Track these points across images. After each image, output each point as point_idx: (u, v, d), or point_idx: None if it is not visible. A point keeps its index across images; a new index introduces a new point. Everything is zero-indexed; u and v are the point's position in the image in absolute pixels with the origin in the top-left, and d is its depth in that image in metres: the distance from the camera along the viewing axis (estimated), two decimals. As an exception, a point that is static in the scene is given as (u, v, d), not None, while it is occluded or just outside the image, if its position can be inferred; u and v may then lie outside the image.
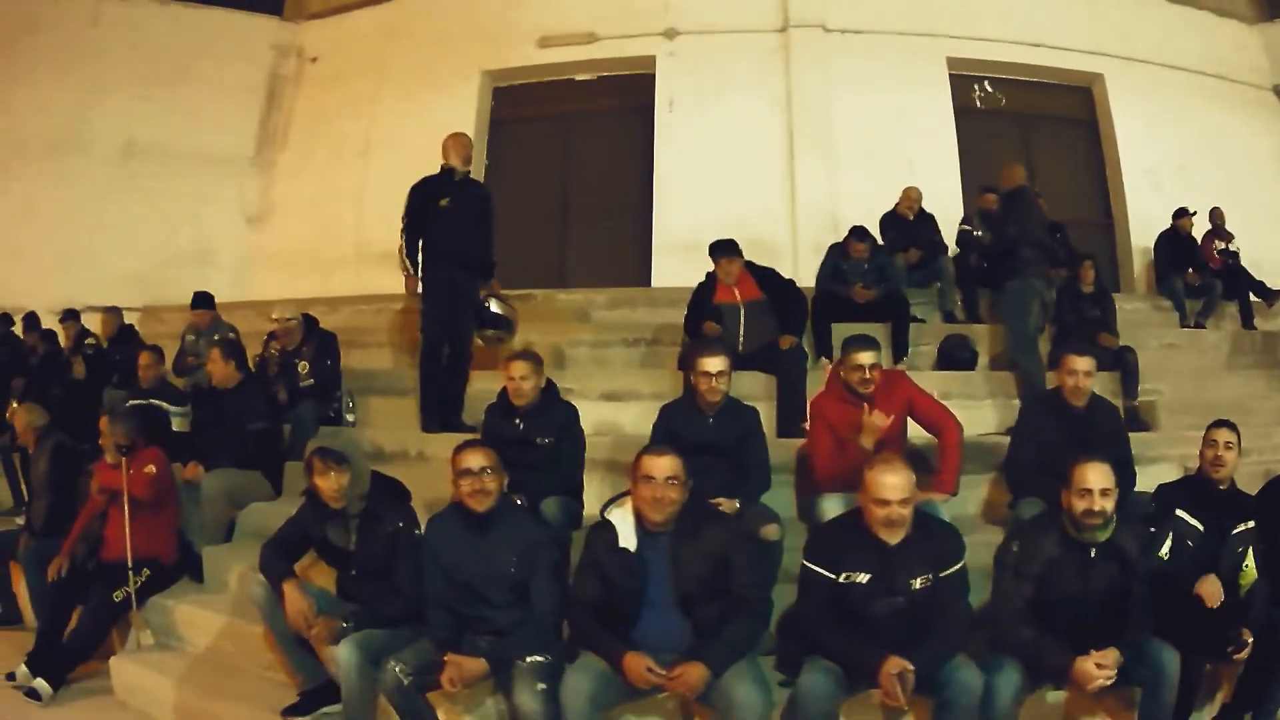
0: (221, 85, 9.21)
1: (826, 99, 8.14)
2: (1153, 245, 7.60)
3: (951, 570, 2.80)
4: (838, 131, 8.05)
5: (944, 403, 4.04)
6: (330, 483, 3.13)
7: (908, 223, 6.99)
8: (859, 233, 6.24)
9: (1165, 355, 6.19)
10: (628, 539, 2.85)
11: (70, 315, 7.29)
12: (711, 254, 5.18)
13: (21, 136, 8.73)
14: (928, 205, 7.14)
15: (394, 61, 9.03)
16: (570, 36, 8.55)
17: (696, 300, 5.22)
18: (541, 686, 2.69)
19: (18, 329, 7.67)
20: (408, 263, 5.04)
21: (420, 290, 5.03)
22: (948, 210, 7.39)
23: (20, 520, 4.99)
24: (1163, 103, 8.43)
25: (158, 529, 4.17)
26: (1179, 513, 3.44)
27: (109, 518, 4.13)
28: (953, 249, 7.05)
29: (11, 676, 3.83)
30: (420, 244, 5.01)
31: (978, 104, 8.65)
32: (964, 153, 8.19)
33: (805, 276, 6.46)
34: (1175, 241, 7.40)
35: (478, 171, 7.13)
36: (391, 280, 7.37)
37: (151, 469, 4.14)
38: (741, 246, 5.21)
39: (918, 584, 2.77)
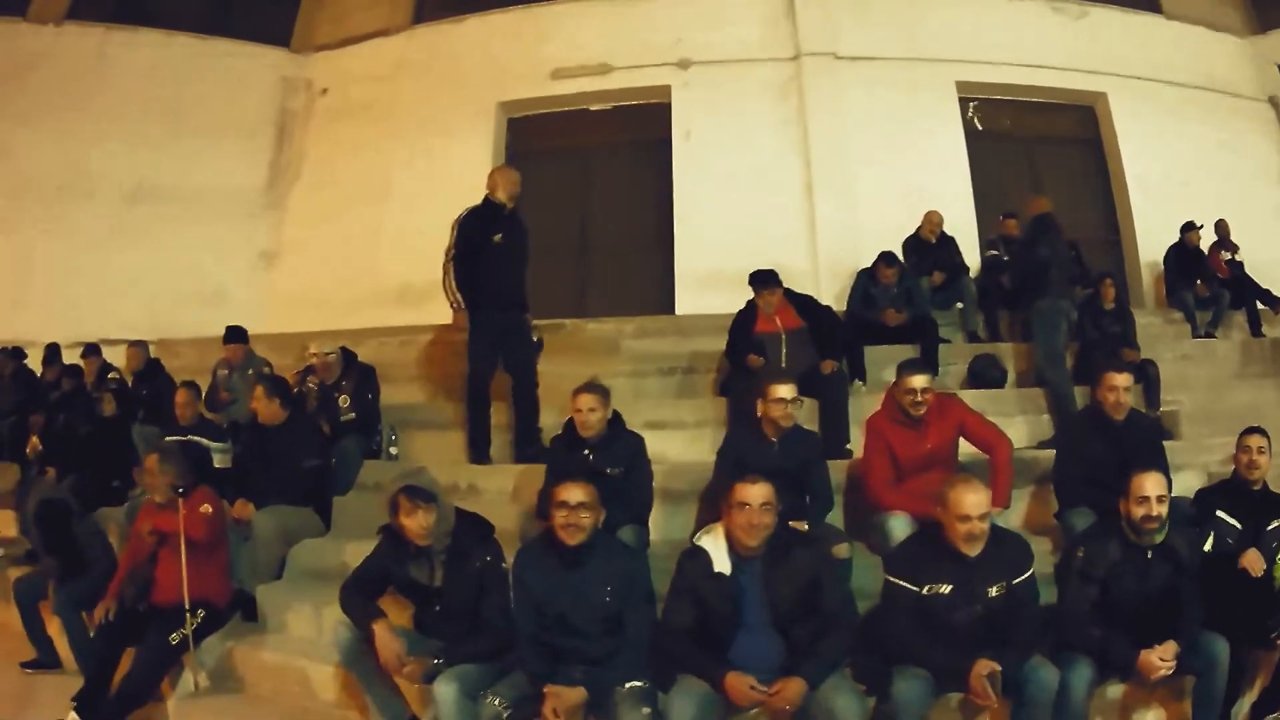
0: (230, 119, 9.11)
1: (840, 124, 8.24)
2: (1161, 259, 7.74)
3: (1023, 577, 3.03)
4: (852, 156, 8.14)
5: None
6: (418, 521, 3.10)
7: (930, 246, 7.13)
8: (888, 258, 6.37)
9: (1181, 366, 6.36)
10: (722, 564, 2.95)
11: (92, 350, 7.11)
12: (752, 285, 5.26)
13: (27, 177, 8.60)
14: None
15: (406, 93, 8.98)
16: (584, 68, 8.62)
17: (737, 328, 5.28)
18: (646, 710, 2.77)
19: (31, 362, 7.48)
20: (458, 296, 4.93)
21: (469, 324, 4.96)
22: (960, 230, 7.51)
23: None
24: (1164, 118, 8.58)
25: (211, 570, 4.08)
26: (1219, 513, 3.67)
27: (159, 559, 4.04)
28: (975, 270, 7.18)
29: (62, 723, 3.74)
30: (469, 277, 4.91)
31: (978, 125, 8.77)
32: (974, 173, 8.30)
33: (827, 301, 6.39)
34: (1184, 254, 7.54)
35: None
36: (411, 314, 7.39)
37: (207, 508, 4.04)
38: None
39: (994, 592, 2.97)
